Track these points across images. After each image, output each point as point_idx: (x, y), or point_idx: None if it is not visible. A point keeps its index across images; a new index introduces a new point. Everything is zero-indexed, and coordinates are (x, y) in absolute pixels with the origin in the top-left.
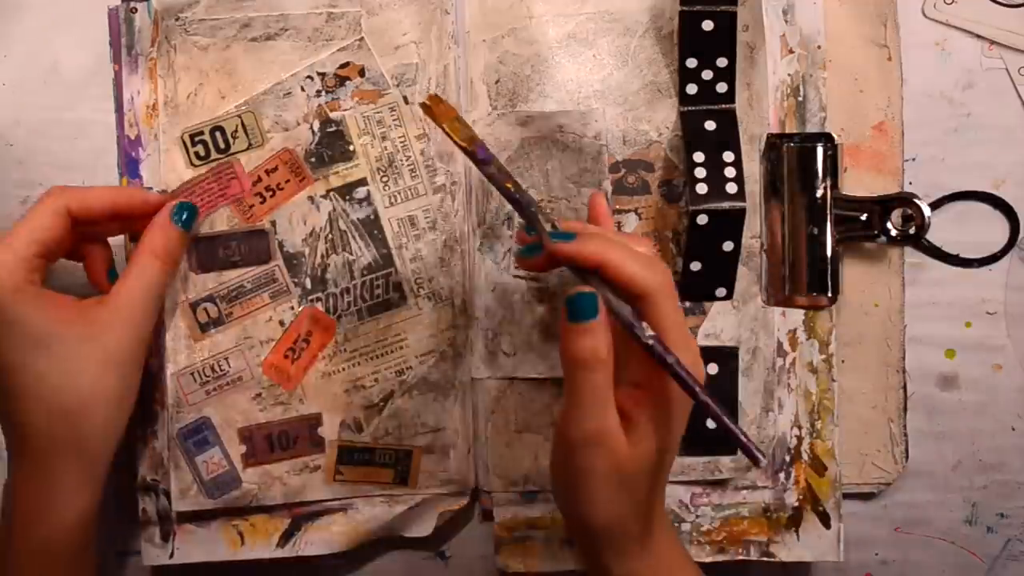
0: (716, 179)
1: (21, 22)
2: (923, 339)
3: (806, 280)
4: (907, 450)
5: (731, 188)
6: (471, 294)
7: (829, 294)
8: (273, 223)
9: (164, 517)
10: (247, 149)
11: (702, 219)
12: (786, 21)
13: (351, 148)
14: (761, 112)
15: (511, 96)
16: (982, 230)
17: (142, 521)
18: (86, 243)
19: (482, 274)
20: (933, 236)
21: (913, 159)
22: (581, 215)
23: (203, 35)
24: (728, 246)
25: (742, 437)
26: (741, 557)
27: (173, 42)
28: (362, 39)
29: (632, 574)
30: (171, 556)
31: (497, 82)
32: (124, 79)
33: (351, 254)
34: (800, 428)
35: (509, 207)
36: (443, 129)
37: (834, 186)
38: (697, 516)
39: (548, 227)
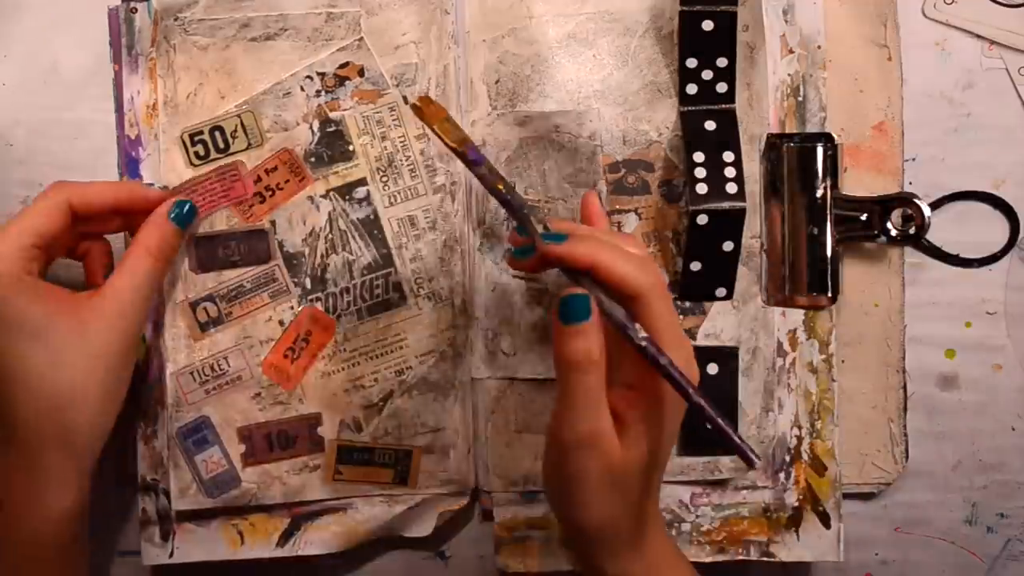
0: (716, 179)
1: (21, 22)
2: (923, 339)
3: (806, 280)
4: (907, 450)
5: (731, 188)
6: (471, 294)
7: (829, 294)
8: (273, 223)
9: (164, 516)
10: (247, 149)
11: (702, 219)
12: (786, 21)
13: (351, 148)
14: (761, 112)
15: (511, 96)
16: (982, 230)
17: (141, 520)
18: (86, 241)
19: (482, 274)
20: (933, 236)
21: (913, 159)
22: (578, 215)
23: (203, 35)
24: (728, 246)
25: (736, 438)
26: (741, 557)
27: (173, 42)
28: (362, 39)
29: (626, 575)
30: (171, 555)
31: (497, 82)
32: (124, 79)
33: (351, 254)
34: (800, 428)
35: None
36: (433, 130)
37: (834, 186)
38: (697, 516)
39: (540, 228)
